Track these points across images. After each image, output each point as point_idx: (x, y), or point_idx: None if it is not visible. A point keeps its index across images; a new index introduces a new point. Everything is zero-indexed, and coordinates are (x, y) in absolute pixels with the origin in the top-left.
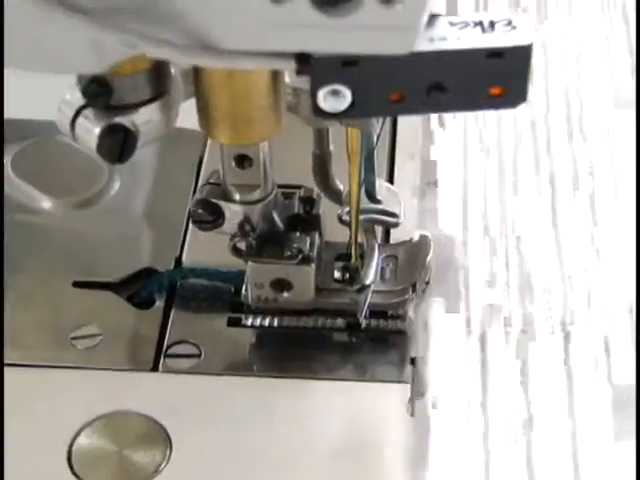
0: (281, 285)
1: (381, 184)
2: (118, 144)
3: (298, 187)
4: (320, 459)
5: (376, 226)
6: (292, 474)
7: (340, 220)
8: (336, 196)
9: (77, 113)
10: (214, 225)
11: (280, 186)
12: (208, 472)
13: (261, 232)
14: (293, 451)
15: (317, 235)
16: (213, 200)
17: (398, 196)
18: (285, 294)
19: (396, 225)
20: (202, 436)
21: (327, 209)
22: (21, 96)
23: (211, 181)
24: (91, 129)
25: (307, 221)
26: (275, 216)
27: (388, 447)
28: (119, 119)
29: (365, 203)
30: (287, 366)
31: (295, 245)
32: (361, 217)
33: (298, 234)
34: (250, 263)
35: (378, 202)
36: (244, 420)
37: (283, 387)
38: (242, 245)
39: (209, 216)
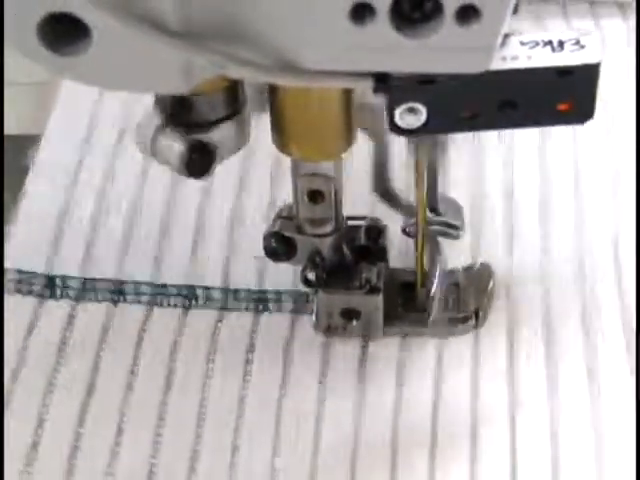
0: (350, 314)
1: (443, 196)
2: (200, 161)
3: (363, 218)
4: None
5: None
6: None
7: (404, 232)
8: (404, 209)
9: (157, 132)
10: (287, 257)
11: (346, 217)
12: None
13: (330, 263)
14: None
15: (384, 266)
16: (286, 233)
17: (460, 208)
18: (354, 323)
19: (458, 237)
20: None
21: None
22: None
23: (283, 215)
24: (173, 147)
25: (374, 252)
26: (344, 247)
27: None
28: (200, 136)
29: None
30: None
31: (363, 275)
32: None
33: (366, 265)
34: (320, 293)
35: (440, 214)
36: None
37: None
38: (312, 276)
39: (282, 249)
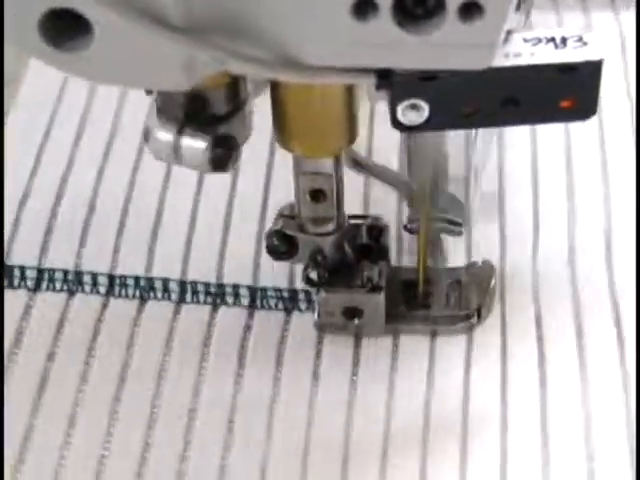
0: (352, 313)
1: (446, 193)
2: (225, 154)
3: (365, 216)
4: None
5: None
6: None
7: (405, 229)
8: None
9: (179, 133)
10: (288, 256)
11: (348, 216)
12: None
13: (332, 262)
14: None
15: (385, 264)
16: (288, 232)
17: (462, 205)
18: (356, 321)
19: (460, 233)
20: None
21: None
22: None
23: (285, 213)
24: (197, 146)
25: (376, 250)
26: (346, 246)
27: None
28: (218, 130)
29: None
30: None
31: (365, 274)
32: None
33: (367, 263)
34: (321, 292)
35: (442, 211)
36: None
37: None
38: (314, 274)
39: (284, 247)
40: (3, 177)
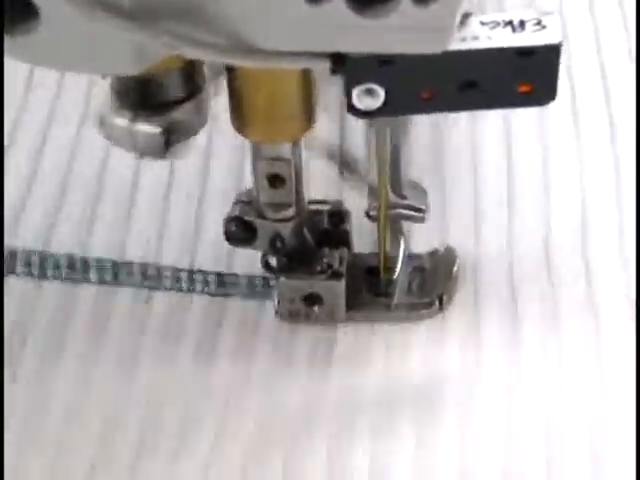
0: (312, 300)
1: (406, 179)
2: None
3: (325, 202)
4: None
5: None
6: None
7: (367, 215)
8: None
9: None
10: (248, 242)
11: (308, 201)
12: None
13: (292, 248)
14: None
15: (346, 250)
16: (246, 218)
17: (424, 192)
18: (316, 309)
19: (422, 220)
20: None
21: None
22: None
23: (243, 199)
24: (152, 131)
25: (337, 237)
26: (306, 232)
27: None
28: (165, 117)
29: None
30: None
31: (325, 260)
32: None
33: (328, 249)
34: (281, 278)
35: (404, 197)
36: None
37: None
38: (273, 261)
39: (243, 233)
40: (3, 175)
